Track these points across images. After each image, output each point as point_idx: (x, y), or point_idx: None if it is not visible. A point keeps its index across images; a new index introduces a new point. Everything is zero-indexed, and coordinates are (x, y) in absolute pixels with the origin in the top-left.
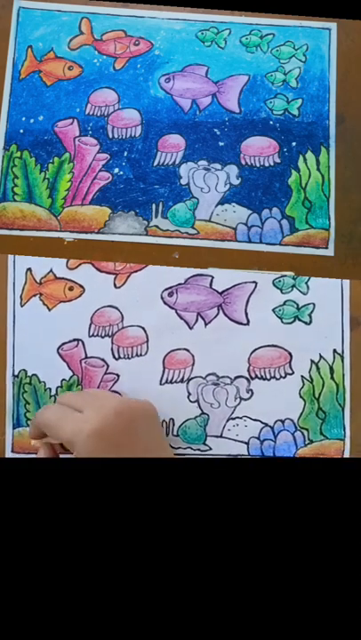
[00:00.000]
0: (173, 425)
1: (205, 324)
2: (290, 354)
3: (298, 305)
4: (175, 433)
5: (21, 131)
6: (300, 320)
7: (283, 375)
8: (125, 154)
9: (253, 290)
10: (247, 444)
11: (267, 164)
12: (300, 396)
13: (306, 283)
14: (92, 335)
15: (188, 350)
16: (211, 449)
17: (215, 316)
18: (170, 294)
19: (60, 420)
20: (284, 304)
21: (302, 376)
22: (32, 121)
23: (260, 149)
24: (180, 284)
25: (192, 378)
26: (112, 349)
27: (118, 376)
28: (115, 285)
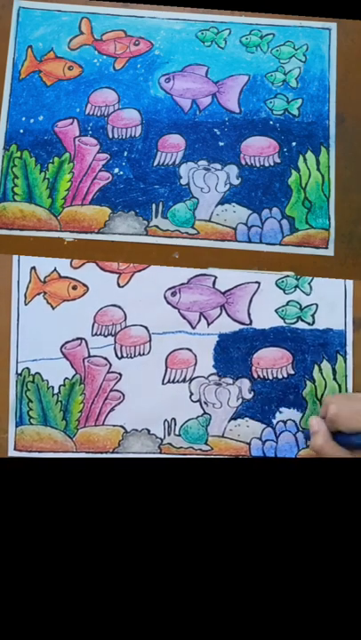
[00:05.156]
0: (175, 424)
1: (208, 324)
2: (292, 354)
3: (301, 305)
4: (177, 433)
5: (21, 131)
6: (302, 320)
7: (285, 376)
8: (125, 154)
9: (256, 290)
10: (249, 444)
11: (267, 164)
12: (303, 397)
13: (309, 283)
14: (96, 334)
15: (190, 350)
16: (212, 449)
17: (218, 316)
18: (173, 294)
19: None
20: (287, 304)
21: (305, 377)
22: (32, 121)
23: (260, 149)
24: (183, 284)
25: (194, 377)
26: (115, 348)
27: (121, 375)
28: (118, 285)
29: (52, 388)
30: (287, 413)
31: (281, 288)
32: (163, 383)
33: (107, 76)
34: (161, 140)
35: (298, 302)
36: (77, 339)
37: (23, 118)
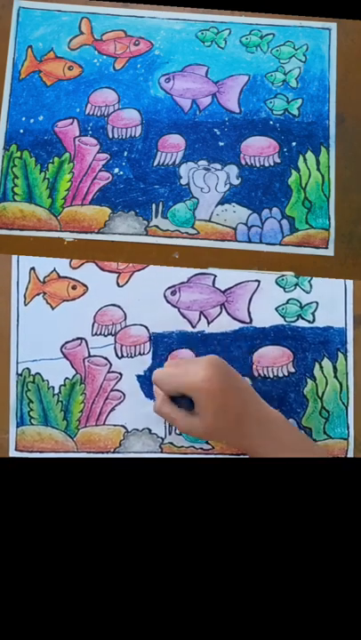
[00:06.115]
0: None
1: (208, 323)
2: (293, 352)
3: (301, 303)
4: (178, 432)
5: (21, 131)
6: (303, 318)
7: (286, 374)
8: (125, 154)
9: (256, 288)
10: None
11: (267, 164)
12: (304, 395)
13: (309, 281)
14: (95, 334)
15: (190, 349)
16: (213, 448)
17: (218, 315)
18: (173, 293)
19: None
20: (288, 303)
21: (306, 375)
22: (32, 121)
23: (260, 149)
24: (182, 283)
25: None
26: (115, 348)
27: (121, 375)
28: (118, 284)
29: (53, 388)
30: (288, 412)
31: (281, 286)
32: None
33: (107, 76)
34: (161, 140)
35: (298, 300)
36: (77, 339)
37: (23, 118)
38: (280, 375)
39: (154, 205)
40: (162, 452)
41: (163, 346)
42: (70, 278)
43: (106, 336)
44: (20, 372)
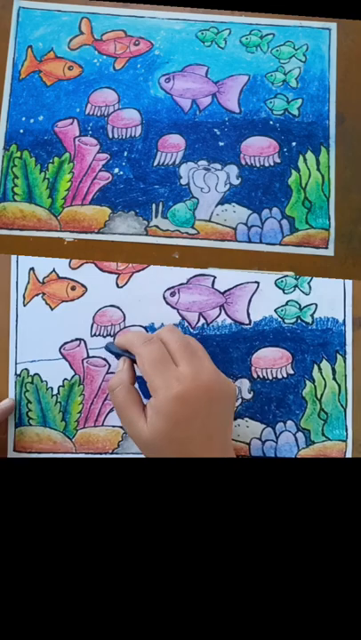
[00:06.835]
0: None
1: (207, 324)
2: (292, 354)
3: (300, 305)
4: None
5: (21, 131)
6: (302, 320)
7: (285, 376)
8: (125, 154)
9: (255, 290)
10: (249, 444)
11: (267, 164)
12: (302, 397)
13: (308, 283)
14: (95, 335)
15: None
16: None
17: (217, 316)
18: (172, 294)
19: (155, 366)
20: (287, 304)
21: (304, 377)
22: (32, 121)
23: (260, 149)
24: (182, 284)
25: None
26: None
27: None
28: (117, 285)
29: (52, 388)
30: (287, 413)
31: (280, 288)
32: None
33: (107, 76)
34: (161, 140)
35: (297, 302)
36: (76, 339)
37: (23, 118)
38: (279, 377)
39: (154, 205)
40: None
41: None
42: (69, 279)
43: (105, 337)
44: (18, 372)
